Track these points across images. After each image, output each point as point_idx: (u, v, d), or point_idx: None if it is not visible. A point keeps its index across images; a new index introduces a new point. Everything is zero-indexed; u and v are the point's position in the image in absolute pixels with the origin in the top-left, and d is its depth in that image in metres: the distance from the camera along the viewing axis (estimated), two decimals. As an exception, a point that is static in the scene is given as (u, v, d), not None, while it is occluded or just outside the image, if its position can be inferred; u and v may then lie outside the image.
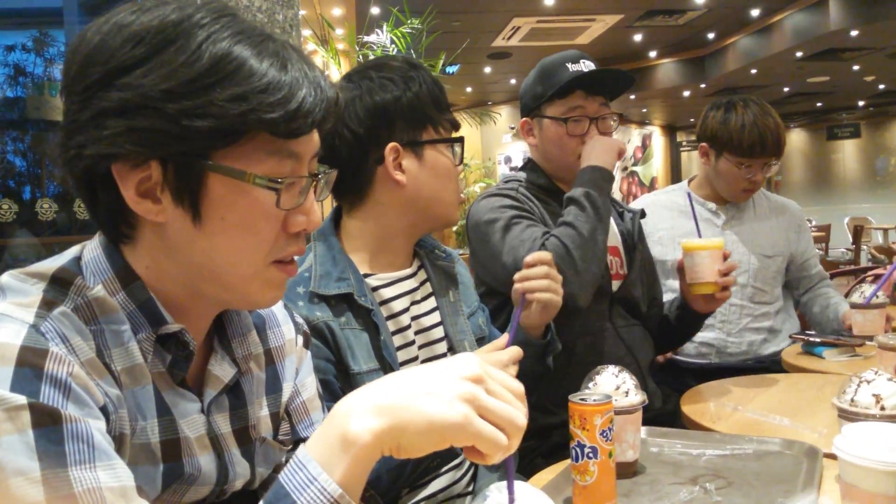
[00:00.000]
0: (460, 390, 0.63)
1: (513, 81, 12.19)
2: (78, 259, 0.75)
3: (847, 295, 2.06)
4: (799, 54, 9.99)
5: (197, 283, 0.77)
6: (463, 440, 0.63)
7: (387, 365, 1.21)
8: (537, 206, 1.74)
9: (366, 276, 1.27)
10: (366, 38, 4.18)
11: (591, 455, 1.01)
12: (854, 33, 8.91)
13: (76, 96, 0.70)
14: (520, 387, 0.68)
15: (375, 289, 1.27)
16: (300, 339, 0.97)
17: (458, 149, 1.31)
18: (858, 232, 10.24)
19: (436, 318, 1.34)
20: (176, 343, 0.77)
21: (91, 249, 0.76)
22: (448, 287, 1.39)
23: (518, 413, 0.65)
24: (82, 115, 0.70)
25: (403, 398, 0.64)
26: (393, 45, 4.06)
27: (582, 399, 1.03)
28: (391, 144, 1.24)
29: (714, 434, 1.33)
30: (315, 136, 0.78)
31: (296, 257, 0.80)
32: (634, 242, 1.84)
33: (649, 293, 1.88)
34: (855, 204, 15.86)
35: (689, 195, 2.33)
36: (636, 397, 1.14)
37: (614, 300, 1.76)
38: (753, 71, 10.67)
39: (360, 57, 4.15)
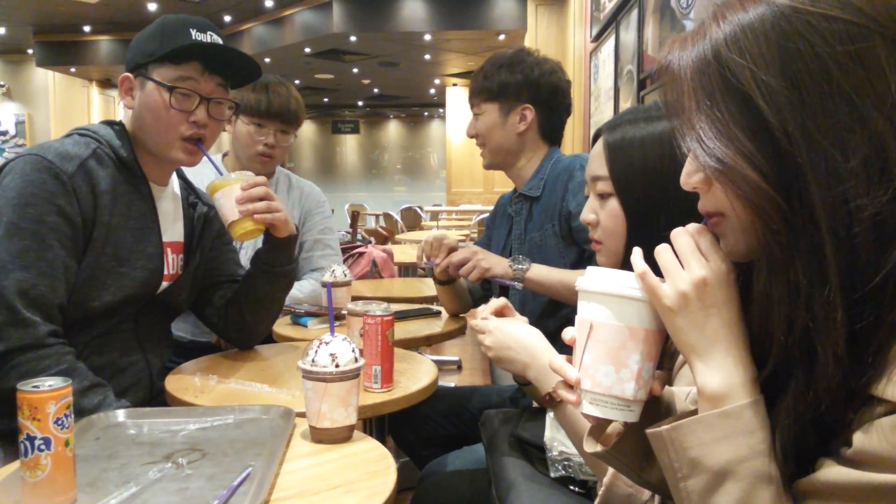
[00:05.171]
0: None
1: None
2: None
3: None
4: (308, 50, 10.77)
5: None
6: None
7: None
8: (102, 187, 1.45)
9: None
10: None
11: (43, 447, 0.90)
12: (353, 38, 9.98)
13: None
14: None
15: None
16: None
17: None
18: (356, 217, 11.56)
19: None
20: None
21: None
22: None
23: None
24: None
25: None
26: None
27: (35, 387, 0.91)
28: None
29: (198, 408, 1.32)
30: None
31: None
32: (195, 242, 1.69)
33: (205, 296, 1.77)
34: (354, 192, 17.95)
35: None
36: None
37: (153, 301, 1.60)
38: (267, 60, 11.12)
39: None
